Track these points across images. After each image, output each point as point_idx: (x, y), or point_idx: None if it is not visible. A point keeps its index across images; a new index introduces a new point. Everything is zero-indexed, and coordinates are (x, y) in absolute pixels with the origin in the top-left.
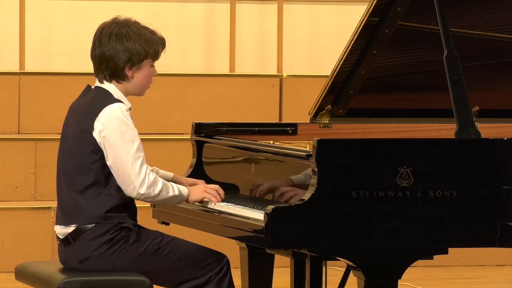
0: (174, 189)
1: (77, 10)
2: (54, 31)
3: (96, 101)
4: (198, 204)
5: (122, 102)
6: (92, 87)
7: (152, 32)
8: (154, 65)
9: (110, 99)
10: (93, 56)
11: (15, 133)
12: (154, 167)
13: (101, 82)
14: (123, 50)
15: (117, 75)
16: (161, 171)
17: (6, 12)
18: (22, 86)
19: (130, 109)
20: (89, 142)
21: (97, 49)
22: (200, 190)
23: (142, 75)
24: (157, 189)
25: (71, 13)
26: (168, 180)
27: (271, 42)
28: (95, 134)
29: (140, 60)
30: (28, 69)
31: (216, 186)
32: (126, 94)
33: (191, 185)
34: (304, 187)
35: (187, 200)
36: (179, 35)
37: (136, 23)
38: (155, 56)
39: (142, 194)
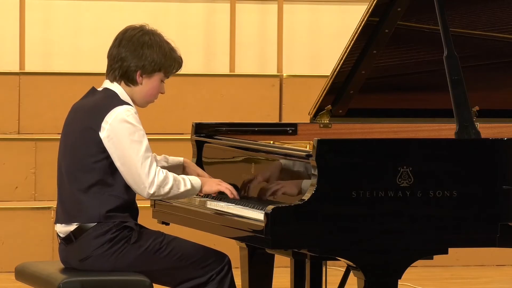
0: (186, 183)
1: (77, 10)
2: (54, 32)
3: (104, 101)
4: (198, 202)
5: (130, 105)
6: (98, 89)
7: (173, 49)
8: (164, 83)
9: (118, 101)
10: (110, 54)
11: (15, 133)
12: (163, 155)
13: (111, 81)
14: (140, 55)
15: (127, 77)
16: (171, 158)
17: (6, 12)
18: (22, 86)
19: (135, 113)
20: (94, 141)
21: (115, 48)
22: (214, 183)
23: (150, 85)
24: (167, 187)
25: (71, 13)
26: (178, 166)
27: (271, 42)
28: (102, 135)
29: (153, 70)
30: (28, 69)
31: (230, 186)
32: (132, 98)
33: (201, 175)
34: (292, 173)
35: (200, 191)
36: (179, 35)
37: (160, 35)
38: (168, 71)
39: (152, 194)
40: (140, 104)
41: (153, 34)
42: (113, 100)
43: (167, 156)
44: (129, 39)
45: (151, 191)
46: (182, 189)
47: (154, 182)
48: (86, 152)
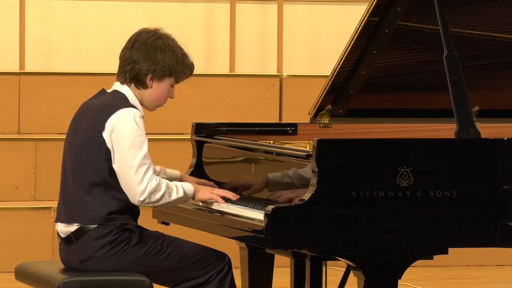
0: (179, 191)
1: (77, 10)
2: (54, 31)
3: (111, 102)
4: (202, 204)
5: (137, 108)
6: (108, 90)
7: (185, 55)
8: (175, 87)
9: (126, 103)
10: (122, 56)
11: (15, 133)
12: (161, 167)
13: (121, 83)
14: (153, 59)
15: (137, 80)
16: (169, 171)
17: (6, 12)
18: (22, 86)
19: (142, 116)
20: (98, 141)
21: (128, 50)
22: (208, 191)
23: (160, 89)
24: (158, 195)
25: (71, 13)
26: (176, 179)
27: (271, 42)
28: (105, 134)
29: (164, 74)
30: (28, 69)
31: (224, 191)
32: (141, 102)
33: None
34: (280, 185)
35: (193, 198)
36: (179, 35)
37: (174, 40)
38: (179, 77)
39: (142, 201)
40: (149, 107)
41: (167, 39)
42: (121, 102)
43: (165, 169)
44: (143, 42)
45: (141, 198)
46: (174, 196)
47: (146, 190)
48: (92, 152)
